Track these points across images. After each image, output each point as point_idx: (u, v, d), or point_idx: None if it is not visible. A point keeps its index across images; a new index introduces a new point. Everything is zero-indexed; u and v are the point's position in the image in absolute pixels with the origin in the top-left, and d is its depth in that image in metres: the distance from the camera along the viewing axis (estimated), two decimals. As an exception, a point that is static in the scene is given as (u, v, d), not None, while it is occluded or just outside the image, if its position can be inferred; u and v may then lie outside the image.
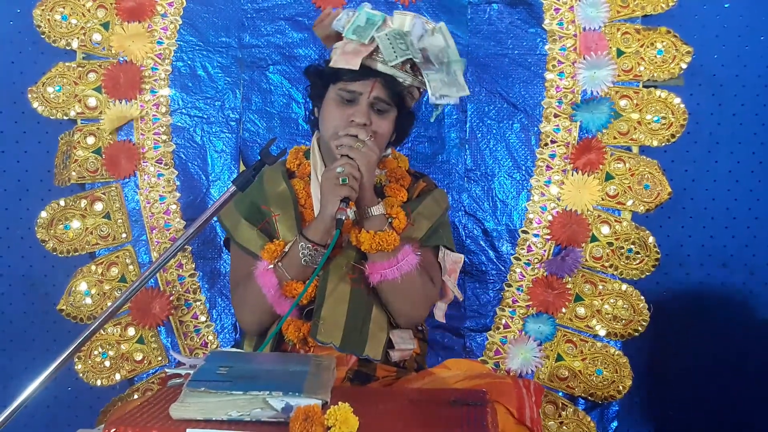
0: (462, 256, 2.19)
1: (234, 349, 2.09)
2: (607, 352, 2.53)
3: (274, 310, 1.96)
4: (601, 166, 2.53)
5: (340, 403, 1.33)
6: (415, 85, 2.07)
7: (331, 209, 1.85)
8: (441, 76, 2.01)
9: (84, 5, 2.58)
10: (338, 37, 2.09)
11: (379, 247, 1.90)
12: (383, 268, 1.92)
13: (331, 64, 2.05)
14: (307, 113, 2.61)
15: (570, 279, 2.54)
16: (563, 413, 2.56)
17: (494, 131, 2.63)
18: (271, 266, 1.96)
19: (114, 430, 1.32)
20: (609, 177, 2.54)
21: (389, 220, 1.98)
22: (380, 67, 2.00)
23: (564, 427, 2.54)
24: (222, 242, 2.39)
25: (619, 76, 2.54)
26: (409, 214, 2.03)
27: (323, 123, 2.06)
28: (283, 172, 2.16)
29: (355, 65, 1.98)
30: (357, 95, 2.00)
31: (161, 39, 2.61)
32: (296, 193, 2.10)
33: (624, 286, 2.52)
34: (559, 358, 2.56)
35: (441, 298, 2.15)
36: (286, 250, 1.96)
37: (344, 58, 2.00)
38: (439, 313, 2.15)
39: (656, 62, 2.52)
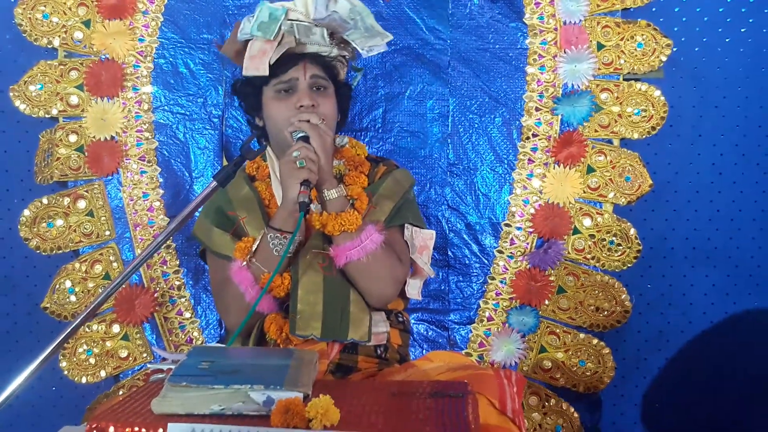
0: (433, 231, 2.17)
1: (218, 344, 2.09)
2: (590, 343, 2.54)
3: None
4: (582, 159, 2.55)
5: (321, 395, 1.33)
6: (342, 55, 2.11)
7: (293, 193, 1.86)
8: (360, 32, 2.07)
9: (65, 3, 2.58)
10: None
11: (342, 227, 1.91)
12: (348, 250, 1.92)
13: (243, 73, 2.06)
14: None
15: (553, 271, 2.56)
16: (547, 404, 2.57)
17: (476, 125, 2.64)
18: (245, 263, 1.96)
19: (95, 425, 1.32)
20: (590, 170, 2.56)
21: (351, 201, 1.99)
22: (303, 48, 2.05)
23: (548, 418, 2.56)
24: (199, 255, 2.36)
25: (599, 69, 2.56)
26: (371, 198, 2.04)
27: (270, 123, 2.07)
28: (245, 176, 2.17)
29: (264, 70, 2.00)
30: (294, 81, 2.03)
31: (143, 36, 2.61)
32: (260, 194, 2.11)
33: (606, 278, 2.54)
34: (543, 349, 2.57)
35: (411, 275, 2.14)
36: (256, 244, 1.97)
37: (252, 63, 2.02)
38: (413, 291, 2.13)
39: (636, 55, 2.54)
